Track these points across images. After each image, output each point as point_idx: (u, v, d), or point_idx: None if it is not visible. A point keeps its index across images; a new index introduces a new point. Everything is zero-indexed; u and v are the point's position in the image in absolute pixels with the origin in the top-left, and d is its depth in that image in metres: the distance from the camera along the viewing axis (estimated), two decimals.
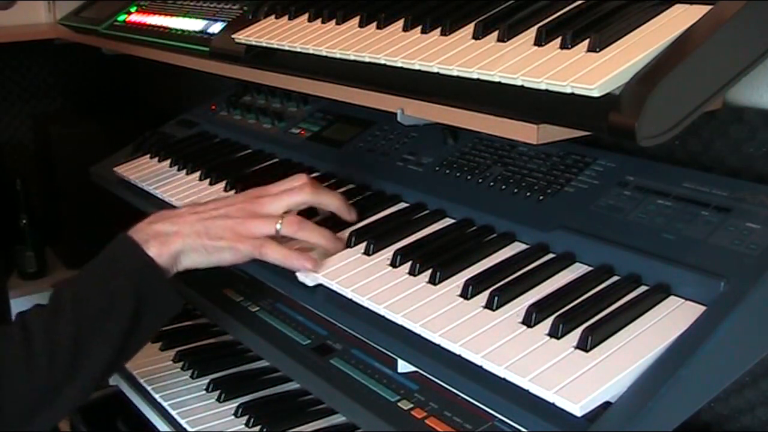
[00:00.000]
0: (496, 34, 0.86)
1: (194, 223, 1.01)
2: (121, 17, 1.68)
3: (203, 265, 1.02)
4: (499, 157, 1.07)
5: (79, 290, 0.97)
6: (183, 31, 1.42)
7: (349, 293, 0.93)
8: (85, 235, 2.10)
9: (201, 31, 1.37)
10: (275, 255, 0.99)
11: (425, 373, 0.85)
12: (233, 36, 1.19)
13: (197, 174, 1.37)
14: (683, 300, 0.80)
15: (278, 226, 1.00)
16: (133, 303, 0.96)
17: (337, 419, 1.17)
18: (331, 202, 1.06)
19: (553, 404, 0.71)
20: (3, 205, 2.07)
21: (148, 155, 1.54)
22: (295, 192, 1.03)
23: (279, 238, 1.01)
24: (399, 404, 0.94)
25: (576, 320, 0.79)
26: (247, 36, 1.16)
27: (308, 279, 0.98)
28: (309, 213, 1.08)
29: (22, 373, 0.91)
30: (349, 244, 1.02)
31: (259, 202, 1.03)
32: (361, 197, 1.16)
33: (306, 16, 1.12)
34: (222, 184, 1.29)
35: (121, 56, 1.73)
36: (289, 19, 1.15)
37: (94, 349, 0.94)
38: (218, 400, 1.24)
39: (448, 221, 1.04)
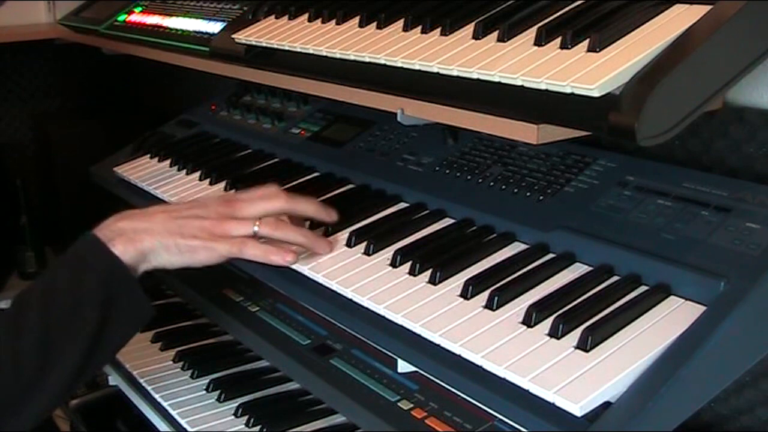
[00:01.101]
0: (496, 34, 0.86)
1: (166, 221, 0.99)
2: (121, 17, 1.68)
3: (175, 264, 1.00)
4: (499, 157, 1.07)
5: (44, 291, 0.94)
6: (183, 31, 1.42)
7: (349, 293, 0.93)
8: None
9: (201, 31, 1.37)
10: (255, 251, 0.98)
11: (425, 373, 0.85)
12: (233, 36, 1.19)
13: (197, 174, 1.37)
14: (683, 300, 0.80)
15: (255, 228, 0.99)
16: (101, 300, 0.93)
17: (337, 419, 1.17)
18: (306, 207, 1.04)
19: (553, 404, 0.71)
20: (3, 205, 2.07)
21: (148, 155, 1.54)
22: (270, 198, 1.03)
23: (257, 240, 1.00)
24: (399, 404, 0.94)
25: (576, 320, 0.79)
26: (247, 36, 1.16)
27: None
28: None
29: None
30: (349, 244, 1.02)
31: (233, 206, 1.02)
32: (361, 197, 1.16)
33: (306, 16, 1.12)
34: (222, 184, 1.29)
35: (121, 56, 1.73)
36: (289, 19, 1.15)
37: (62, 352, 0.91)
38: (218, 400, 1.24)
39: (448, 221, 1.04)
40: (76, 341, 0.91)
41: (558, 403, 0.71)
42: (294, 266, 1.01)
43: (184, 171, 1.40)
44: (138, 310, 0.98)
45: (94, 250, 0.96)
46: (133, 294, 0.96)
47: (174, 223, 0.99)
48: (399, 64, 0.91)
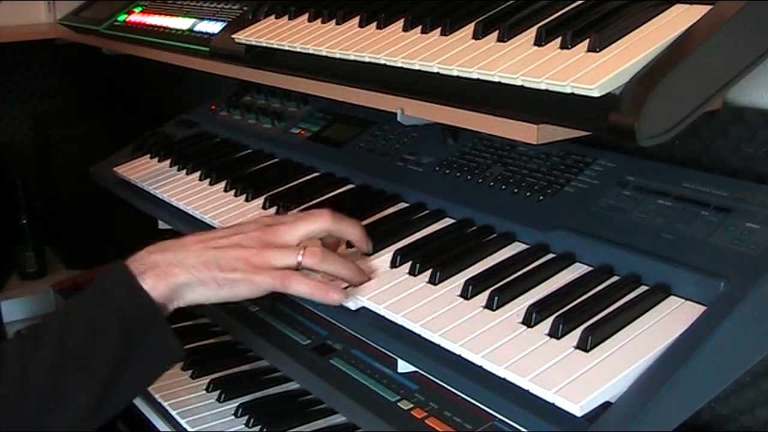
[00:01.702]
0: (496, 34, 0.86)
1: (201, 253, 0.91)
2: (121, 17, 1.68)
3: (211, 299, 0.92)
4: (499, 157, 1.07)
5: (65, 321, 0.88)
6: (183, 31, 1.42)
7: (349, 293, 0.93)
8: (85, 235, 2.10)
9: (201, 31, 1.37)
10: (302, 288, 0.90)
11: (425, 373, 0.85)
12: (233, 36, 1.19)
13: (197, 174, 1.37)
14: (683, 300, 0.80)
15: (299, 258, 0.91)
16: (119, 340, 0.85)
17: (337, 419, 1.17)
18: (351, 231, 0.97)
19: (553, 404, 0.71)
20: (3, 205, 2.07)
21: (148, 155, 1.54)
22: (313, 219, 0.95)
23: (299, 269, 0.92)
24: (399, 404, 0.94)
25: (576, 320, 0.79)
26: (247, 36, 1.16)
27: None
28: None
29: None
30: (349, 246, 1.02)
31: (273, 231, 0.93)
32: (361, 197, 1.16)
33: (306, 16, 1.12)
34: (222, 184, 1.29)
35: (121, 56, 1.73)
36: (289, 19, 1.15)
37: (70, 392, 0.84)
38: (218, 400, 1.24)
39: (448, 221, 1.04)
40: (88, 381, 0.84)
41: (558, 403, 0.71)
42: None
43: (184, 171, 1.40)
44: (163, 350, 0.90)
45: (121, 282, 0.89)
46: (159, 333, 0.89)
47: (210, 254, 0.91)
48: (399, 64, 0.91)
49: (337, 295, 0.91)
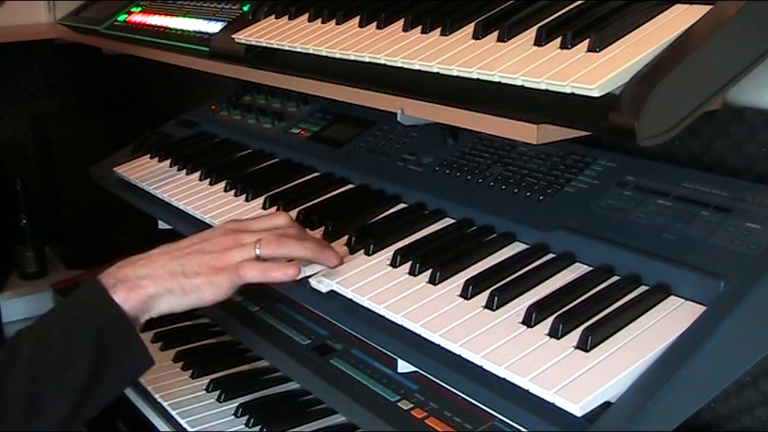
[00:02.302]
0: (496, 34, 0.86)
1: (167, 264, 0.95)
2: (121, 17, 1.68)
3: (181, 307, 0.95)
4: (499, 157, 1.07)
5: (39, 336, 0.91)
6: (183, 31, 1.42)
7: (349, 293, 0.93)
8: (85, 235, 2.10)
9: (201, 31, 1.37)
10: (253, 272, 0.94)
11: (425, 373, 0.85)
12: (233, 36, 1.19)
13: (197, 174, 1.37)
14: (683, 300, 0.80)
15: (257, 251, 0.95)
16: (94, 353, 0.89)
17: (337, 419, 1.17)
18: (302, 252, 0.97)
19: (553, 404, 0.71)
20: (3, 205, 2.07)
21: (148, 155, 1.54)
22: (274, 216, 1.01)
23: (255, 260, 0.95)
24: (399, 404, 0.94)
25: (576, 320, 0.79)
26: (247, 36, 1.16)
27: (321, 285, 0.95)
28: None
29: None
30: (349, 245, 1.02)
31: (234, 234, 0.98)
32: (361, 197, 1.16)
33: (306, 16, 1.12)
34: (222, 184, 1.29)
35: (121, 56, 1.73)
36: (289, 19, 1.15)
37: (49, 402, 0.87)
38: (218, 400, 1.24)
39: (448, 221, 1.04)
40: (65, 392, 0.88)
41: (558, 403, 0.71)
42: None
43: (184, 171, 1.40)
44: (135, 361, 0.94)
45: (94, 296, 0.93)
46: (131, 345, 0.92)
47: (176, 263, 0.95)
48: (399, 64, 0.91)
49: (290, 269, 0.94)
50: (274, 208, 1.17)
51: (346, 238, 1.03)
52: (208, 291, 0.94)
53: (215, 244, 0.97)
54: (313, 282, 0.96)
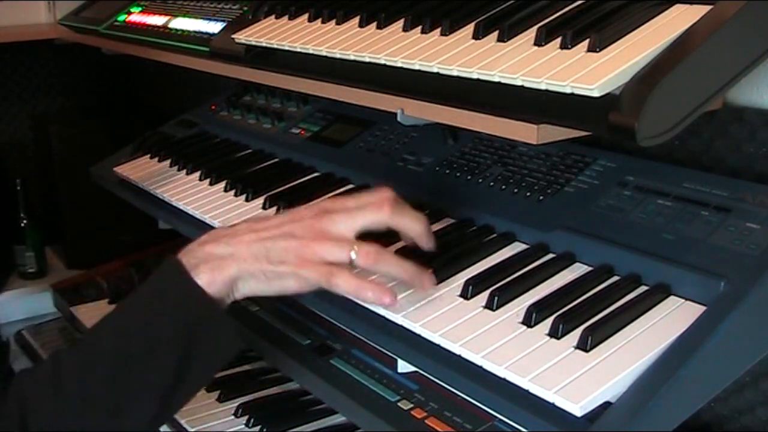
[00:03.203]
0: (496, 34, 0.86)
1: (252, 244, 0.86)
2: (121, 17, 1.68)
3: (264, 293, 0.88)
4: (499, 157, 1.07)
5: (120, 327, 0.85)
6: (183, 31, 1.42)
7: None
8: (85, 235, 2.10)
9: (201, 31, 1.37)
10: (346, 285, 0.84)
11: (425, 373, 0.85)
12: (233, 36, 1.19)
13: (197, 174, 1.37)
14: (683, 300, 0.80)
15: (353, 255, 0.85)
16: (180, 345, 0.83)
17: (337, 419, 1.17)
18: (412, 226, 0.89)
19: (553, 404, 0.71)
20: (3, 205, 2.07)
21: (148, 155, 1.54)
22: (372, 209, 0.88)
23: (351, 267, 0.86)
24: (399, 404, 0.94)
25: (576, 320, 0.79)
26: (247, 36, 1.16)
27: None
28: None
29: (50, 427, 0.80)
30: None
31: (328, 219, 0.87)
32: None
33: (306, 16, 1.12)
34: (222, 184, 1.29)
35: (121, 56, 1.73)
36: (289, 19, 1.15)
37: (134, 402, 0.82)
38: (218, 400, 1.24)
39: (448, 221, 1.04)
40: (151, 391, 0.82)
41: (558, 403, 0.71)
42: None
43: (184, 171, 1.40)
44: (224, 349, 0.87)
45: (175, 281, 0.85)
46: (221, 333, 0.86)
47: (261, 245, 0.86)
48: (399, 64, 0.91)
49: (387, 298, 0.84)
50: (274, 209, 1.17)
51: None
52: (292, 282, 0.86)
53: (307, 228, 0.86)
54: None
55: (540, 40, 0.82)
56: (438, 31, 0.92)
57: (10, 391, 0.83)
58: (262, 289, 0.87)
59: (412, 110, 0.94)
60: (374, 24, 1.01)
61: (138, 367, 0.82)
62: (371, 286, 0.85)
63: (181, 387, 0.84)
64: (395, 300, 0.85)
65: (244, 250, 0.86)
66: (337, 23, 1.06)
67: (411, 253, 0.92)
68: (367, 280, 0.86)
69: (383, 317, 0.88)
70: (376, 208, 0.88)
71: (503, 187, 1.02)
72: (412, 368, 0.87)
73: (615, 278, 0.86)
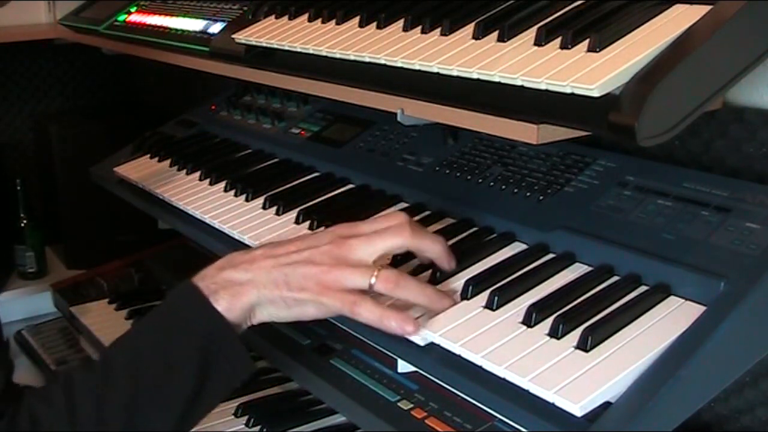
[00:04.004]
0: (496, 34, 0.86)
1: (271, 270, 0.86)
2: (121, 17, 1.68)
3: (282, 318, 0.88)
4: (499, 157, 1.07)
5: (135, 352, 0.85)
6: (183, 31, 1.42)
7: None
8: (85, 235, 2.10)
9: (201, 31, 1.37)
10: (369, 315, 0.83)
11: (425, 373, 0.85)
12: (233, 36, 1.19)
13: (197, 174, 1.37)
14: (683, 300, 0.80)
15: (372, 280, 0.84)
16: (197, 369, 0.83)
17: (337, 419, 1.17)
18: (432, 248, 0.89)
19: (553, 404, 0.71)
20: (3, 205, 2.07)
21: (148, 155, 1.54)
22: (391, 234, 0.87)
23: (370, 292, 0.85)
24: (399, 404, 0.94)
25: (576, 320, 0.79)
26: (247, 36, 1.16)
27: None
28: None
29: None
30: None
31: (348, 245, 0.86)
32: (361, 197, 1.16)
33: (306, 16, 1.12)
34: (222, 184, 1.29)
35: (121, 56, 1.73)
36: (289, 19, 1.15)
37: (150, 424, 0.82)
38: None
39: (448, 221, 1.04)
40: (167, 413, 0.83)
41: (558, 403, 0.71)
42: None
43: (184, 171, 1.40)
44: (238, 372, 0.87)
45: (194, 306, 0.85)
46: (236, 357, 0.86)
47: (280, 271, 0.86)
48: (399, 64, 0.91)
49: (410, 327, 0.83)
50: (274, 208, 1.17)
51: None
52: (312, 309, 0.86)
53: (325, 255, 0.86)
54: None
55: (540, 40, 0.82)
56: (438, 31, 0.92)
57: (21, 411, 0.82)
58: (281, 315, 0.87)
59: (412, 110, 0.94)
60: (374, 24, 1.01)
61: (154, 391, 0.82)
62: (394, 316, 0.83)
63: (194, 410, 0.85)
64: (418, 328, 0.83)
65: (263, 276, 0.86)
66: (337, 23, 1.06)
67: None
68: (388, 308, 0.85)
69: None
70: (396, 233, 0.87)
71: (503, 187, 1.02)
72: (412, 368, 0.87)
73: (615, 278, 0.86)
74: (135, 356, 0.85)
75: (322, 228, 1.06)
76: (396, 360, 0.89)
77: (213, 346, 0.84)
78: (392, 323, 0.83)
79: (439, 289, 0.88)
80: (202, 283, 0.86)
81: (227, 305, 0.85)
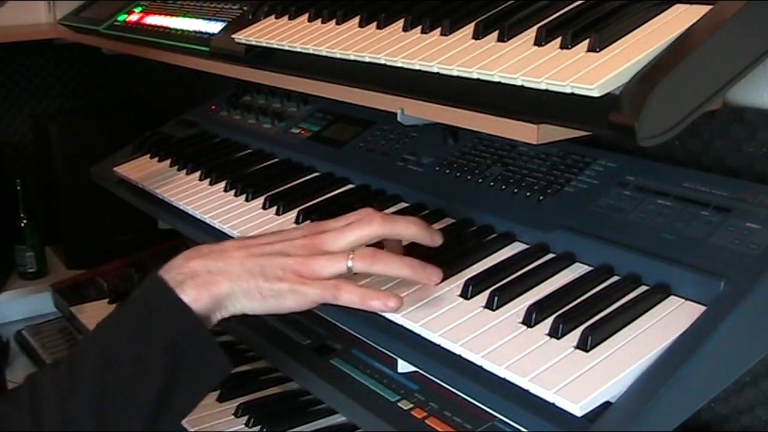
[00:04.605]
0: (496, 34, 0.86)
1: (245, 260, 0.84)
2: (121, 17, 1.68)
3: (255, 311, 0.85)
4: (499, 157, 1.07)
5: (102, 348, 0.82)
6: (183, 31, 1.42)
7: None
8: (85, 235, 2.10)
9: (201, 31, 1.37)
10: (351, 296, 0.83)
11: (425, 373, 0.85)
12: (233, 36, 1.19)
13: (197, 174, 1.37)
14: (683, 300, 0.80)
15: (349, 263, 0.84)
16: (166, 365, 0.80)
17: (337, 419, 1.17)
18: (407, 229, 0.88)
19: (553, 404, 0.71)
20: (3, 205, 2.07)
21: (148, 155, 1.54)
22: (362, 223, 0.87)
23: (350, 277, 0.85)
24: (399, 404, 0.94)
25: (576, 320, 0.79)
26: (247, 36, 1.16)
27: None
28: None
29: None
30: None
31: (320, 238, 0.86)
32: (361, 197, 1.16)
33: (306, 16, 1.12)
34: (222, 184, 1.29)
35: (121, 56, 1.73)
36: (289, 19, 1.15)
37: (119, 424, 0.79)
38: (218, 400, 1.24)
39: (448, 221, 1.04)
40: (136, 411, 0.79)
41: (558, 403, 0.71)
42: None
43: (184, 171, 1.40)
44: (211, 369, 0.83)
45: (160, 298, 0.82)
46: (207, 350, 0.82)
47: (254, 261, 0.84)
48: (399, 64, 0.91)
49: (392, 302, 0.82)
50: (274, 208, 1.17)
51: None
52: (291, 300, 0.83)
53: (299, 247, 0.85)
54: None
55: (540, 40, 0.82)
56: (438, 31, 0.92)
57: None
58: (255, 307, 0.84)
59: (412, 110, 0.94)
60: (374, 24, 1.01)
61: (123, 389, 0.79)
62: (376, 294, 0.83)
63: (167, 409, 0.81)
64: (401, 301, 0.83)
65: (236, 266, 0.84)
66: (337, 23, 1.06)
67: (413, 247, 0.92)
68: (369, 287, 0.85)
69: (383, 317, 0.88)
70: (366, 222, 0.87)
71: (503, 187, 1.02)
72: (412, 368, 0.87)
73: (615, 278, 0.86)
74: (101, 353, 0.81)
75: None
76: (396, 360, 0.89)
77: (181, 340, 0.81)
78: (375, 302, 0.83)
79: (421, 261, 0.86)
80: (168, 274, 0.83)
81: (195, 295, 0.82)
